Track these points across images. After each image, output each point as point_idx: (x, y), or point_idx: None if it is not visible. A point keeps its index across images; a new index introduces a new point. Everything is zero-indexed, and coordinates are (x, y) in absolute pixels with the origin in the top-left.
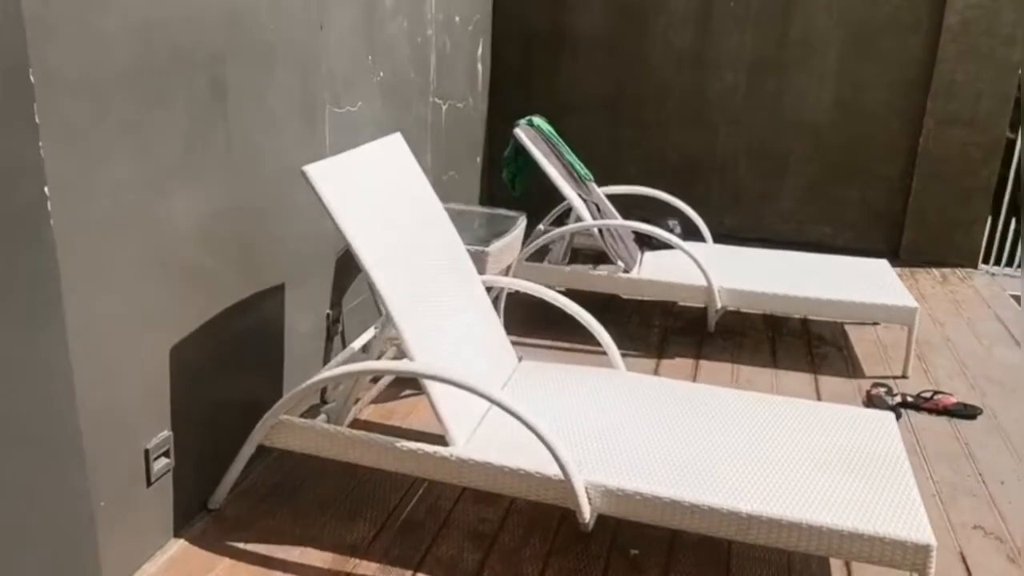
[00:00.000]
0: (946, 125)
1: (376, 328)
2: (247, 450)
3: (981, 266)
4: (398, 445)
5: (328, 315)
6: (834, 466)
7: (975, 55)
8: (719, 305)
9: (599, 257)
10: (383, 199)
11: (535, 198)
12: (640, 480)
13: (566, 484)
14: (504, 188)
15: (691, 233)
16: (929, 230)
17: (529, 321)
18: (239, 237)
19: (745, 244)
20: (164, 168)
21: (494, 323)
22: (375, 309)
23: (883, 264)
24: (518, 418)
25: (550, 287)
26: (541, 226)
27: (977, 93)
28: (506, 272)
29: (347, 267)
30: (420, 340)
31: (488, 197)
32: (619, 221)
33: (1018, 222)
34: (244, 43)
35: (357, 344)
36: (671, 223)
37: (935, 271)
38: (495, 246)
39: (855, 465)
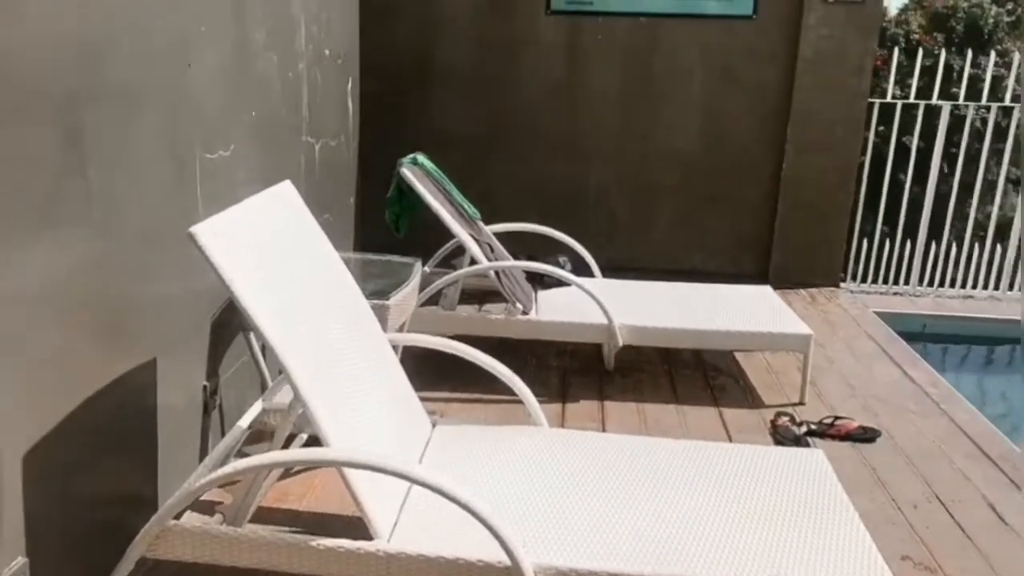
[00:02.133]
0: (805, 152)
1: (264, 401)
2: (125, 567)
3: (843, 285)
4: (314, 544)
5: (205, 387)
6: (786, 517)
7: (828, 85)
8: (620, 343)
9: (484, 296)
10: (279, 257)
11: (411, 238)
12: (594, 557)
13: (513, 570)
14: (378, 230)
15: (579, 268)
16: (794, 252)
17: (425, 371)
18: (101, 308)
19: (623, 275)
20: (6, 232)
21: (405, 386)
22: (256, 373)
23: (767, 290)
24: (456, 501)
25: (444, 335)
26: (426, 268)
27: (831, 121)
28: (402, 325)
29: (223, 331)
30: (333, 419)
31: (361, 240)
32: (515, 262)
33: (870, 243)
34: (101, 83)
35: (244, 421)
36: (561, 260)
37: (803, 292)
38: (395, 298)
39: (807, 513)
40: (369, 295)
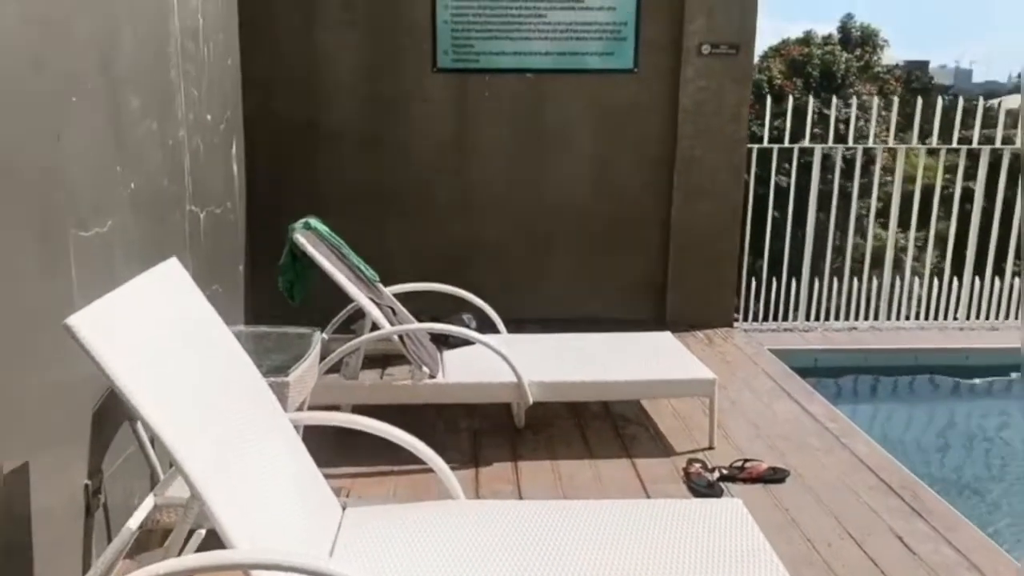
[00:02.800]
0: (692, 198)
1: (155, 496)
2: None
3: (736, 324)
4: None
5: (87, 486)
6: (712, 570)
7: (708, 133)
8: (531, 401)
9: (387, 360)
10: (166, 340)
11: (308, 304)
12: None
13: None
14: (272, 298)
15: (483, 324)
16: (689, 295)
17: (329, 445)
18: None
19: (524, 326)
20: None
21: (311, 468)
22: (145, 465)
23: (667, 337)
24: None
25: (348, 405)
26: (325, 335)
27: (714, 167)
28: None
29: (107, 421)
30: (235, 515)
31: (254, 309)
32: (419, 324)
33: (758, 282)
34: None
35: (133, 521)
36: (466, 317)
37: (700, 334)
38: (295, 374)
39: (732, 565)
40: (266, 372)
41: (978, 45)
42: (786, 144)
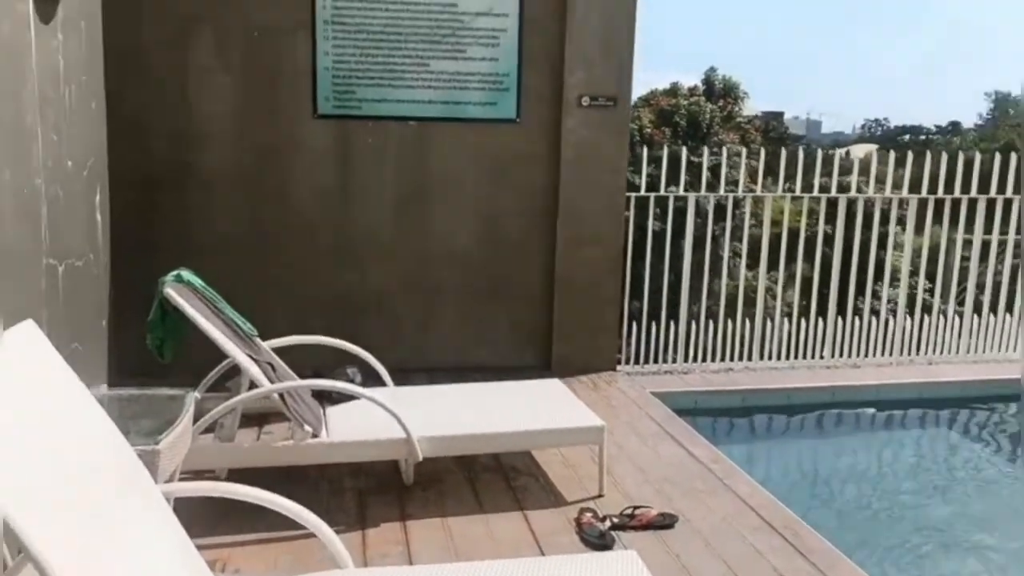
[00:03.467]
0: (575, 245)
1: None
2: None
3: (619, 368)
4: None
5: None
6: None
7: (589, 183)
8: (420, 457)
9: (264, 418)
10: (17, 416)
11: (179, 360)
12: None
13: None
14: (137, 356)
15: (369, 377)
16: (574, 341)
17: (204, 514)
18: None
19: (410, 376)
20: None
21: (185, 545)
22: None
23: (556, 384)
24: None
25: (223, 469)
26: (198, 395)
27: (596, 216)
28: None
29: None
30: None
31: (119, 367)
32: (300, 381)
33: (639, 326)
34: None
35: None
36: (350, 371)
37: (585, 378)
38: (167, 441)
39: None
40: (135, 441)
41: (825, 98)
42: (662, 192)
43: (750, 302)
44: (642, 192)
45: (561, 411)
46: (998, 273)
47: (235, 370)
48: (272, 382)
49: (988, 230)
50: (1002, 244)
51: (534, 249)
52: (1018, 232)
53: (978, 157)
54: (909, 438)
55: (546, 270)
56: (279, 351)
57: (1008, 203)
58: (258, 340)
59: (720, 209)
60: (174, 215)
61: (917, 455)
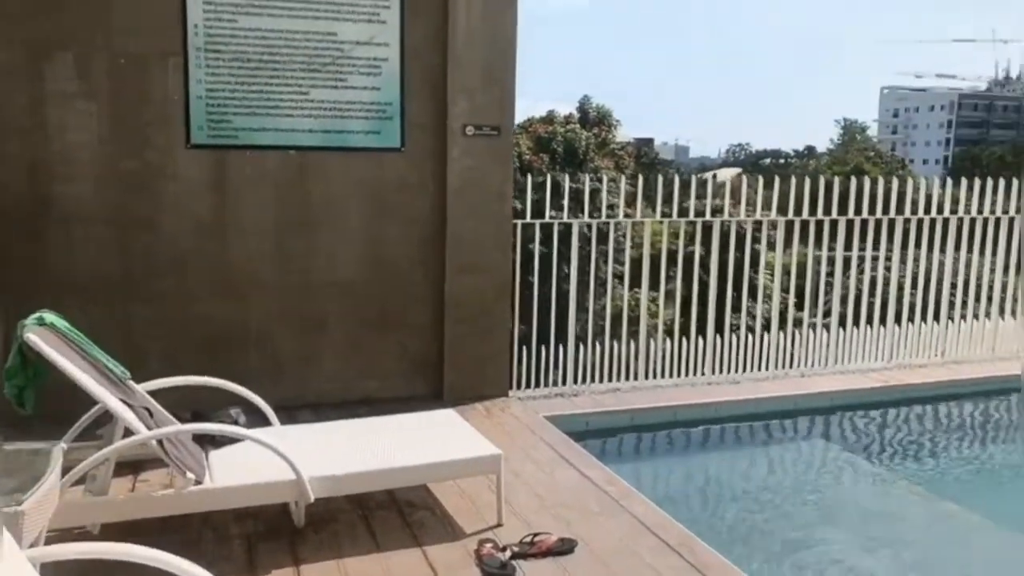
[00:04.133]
0: (463, 273)
1: None
2: None
3: (512, 393)
4: None
5: None
6: None
7: (476, 210)
8: (312, 498)
9: (138, 466)
10: None
11: (42, 408)
12: None
13: None
14: None
15: (253, 417)
16: (465, 369)
17: (71, 574)
18: None
19: (297, 413)
20: None
21: None
22: None
23: (450, 414)
24: None
25: (97, 525)
26: (63, 445)
27: (483, 243)
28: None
29: None
30: None
31: None
32: (179, 425)
33: (528, 350)
34: None
35: None
36: (233, 412)
37: (478, 406)
38: (31, 501)
39: None
40: None
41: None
42: (547, 219)
43: (634, 322)
44: (528, 219)
45: (456, 441)
46: (858, 286)
47: (107, 416)
48: (149, 428)
49: (848, 247)
50: (860, 260)
51: (422, 277)
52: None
53: (833, 180)
54: (787, 448)
55: (435, 298)
56: (155, 394)
57: (864, 223)
58: (132, 383)
59: (601, 233)
60: (31, 252)
61: (796, 464)
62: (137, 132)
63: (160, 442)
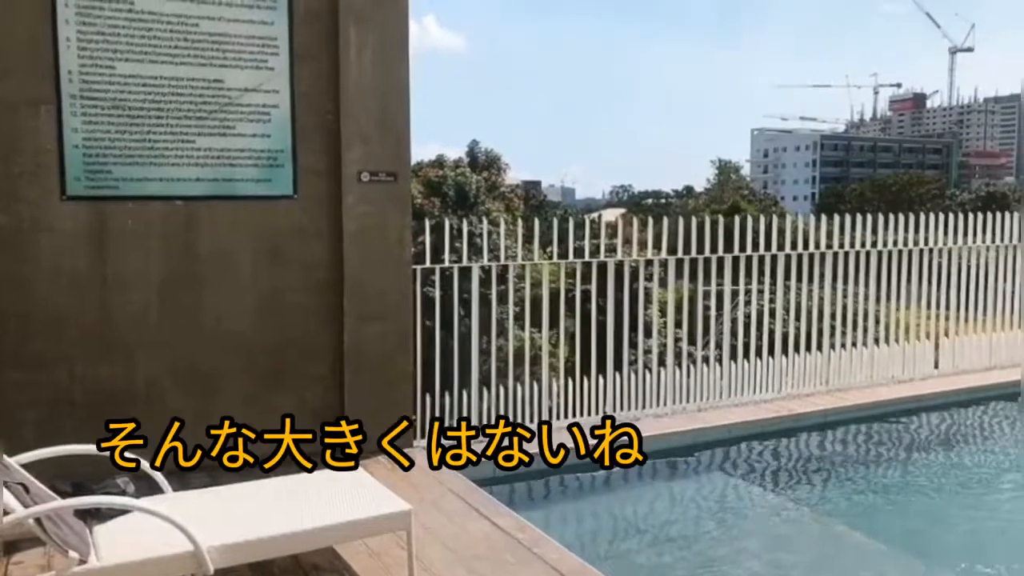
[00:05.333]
0: (363, 321)
1: None
2: None
3: (416, 443)
4: None
5: None
6: None
7: (374, 257)
8: (211, 570)
9: (10, 547)
10: None
11: None
12: None
13: None
14: None
15: (143, 485)
16: (367, 420)
17: None
18: None
19: (190, 477)
20: None
21: None
22: None
23: (355, 470)
24: None
25: None
26: None
27: (383, 290)
28: None
29: None
30: None
31: None
32: (60, 501)
33: (432, 397)
34: None
35: None
36: (120, 481)
37: (383, 459)
38: None
39: None
40: None
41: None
42: (447, 263)
43: (535, 361)
44: (427, 263)
45: (363, 499)
46: (745, 319)
47: None
48: (26, 505)
49: (735, 281)
50: (747, 293)
51: (320, 327)
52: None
53: (718, 219)
54: (689, 483)
55: (334, 349)
56: (30, 466)
57: (749, 259)
58: (4, 457)
59: (498, 275)
60: None
61: (699, 498)
62: (5, 184)
63: (38, 520)
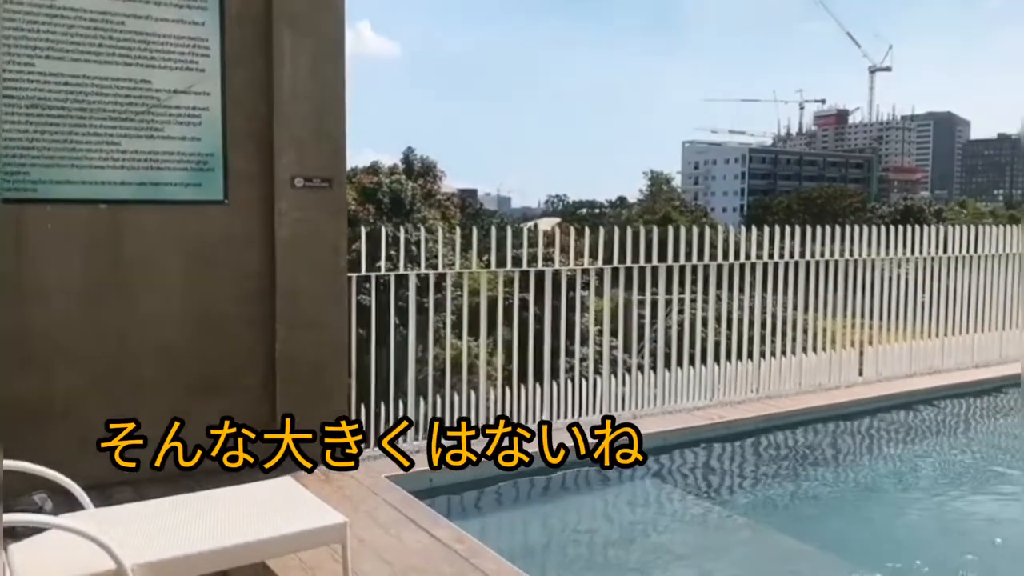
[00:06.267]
0: (297, 330)
1: None
2: None
3: (368, 451)
4: None
5: None
6: None
7: (309, 265)
8: None
9: None
10: None
11: None
12: None
13: None
14: None
15: (61, 501)
16: (300, 431)
17: None
18: None
19: (116, 493)
20: None
21: None
22: None
23: (288, 482)
24: None
25: None
26: None
27: (317, 298)
28: None
29: None
30: None
31: None
32: None
33: (367, 408)
34: None
35: None
36: (37, 497)
37: (316, 471)
38: None
39: None
40: None
41: (512, 176)
42: (383, 271)
43: (470, 370)
44: (363, 271)
45: (296, 512)
46: (679, 328)
47: None
48: None
49: (668, 291)
50: (680, 302)
51: (251, 336)
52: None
53: (652, 229)
54: (624, 490)
55: (266, 358)
56: None
57: (683, 269)
58: None
59: (435, 283)
60: None
61: (634, 506)
62: None
63: None
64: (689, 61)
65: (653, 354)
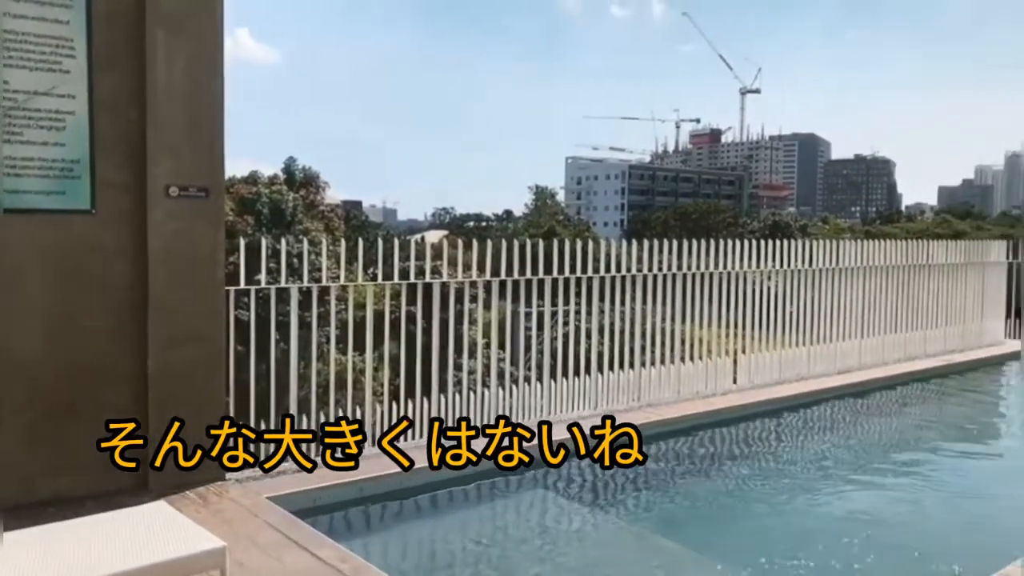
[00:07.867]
0: (170, 346)
1: None
2: None
3: (228, 476)
4: None
5: None
6: None
7: (184, 277)
8: None
9: None
10: None
11: None
12: None
13: None
14: None
15: None
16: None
17: None
18: None
19: None
20: None
21: None
22: None
23: (162, 507)
24: None
25: None
26: None
27: (193, 312)
28: None
29: None
30: None
31: None
32: None
33: (266, 423)
34: None
35: None
36: None
37: (191, 494)
38: None
39: None
40: None
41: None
42: (263, 284)
43: (355, 385)
44: (242, 284)
45: (170, 538)
46: (564, 339)
47: None
48: None
49: (554, 303)
50: (565, 314)
51: (121, 353)
52: None
53: (538, 242)
54: (511, 502)
55: (137, 375)
56: None
57: (566, 281)
58: None
59: (318, 296)
60: None
61: (523, 517)
62: None
63: None
64: (572, 80)
65: (540, 365)
